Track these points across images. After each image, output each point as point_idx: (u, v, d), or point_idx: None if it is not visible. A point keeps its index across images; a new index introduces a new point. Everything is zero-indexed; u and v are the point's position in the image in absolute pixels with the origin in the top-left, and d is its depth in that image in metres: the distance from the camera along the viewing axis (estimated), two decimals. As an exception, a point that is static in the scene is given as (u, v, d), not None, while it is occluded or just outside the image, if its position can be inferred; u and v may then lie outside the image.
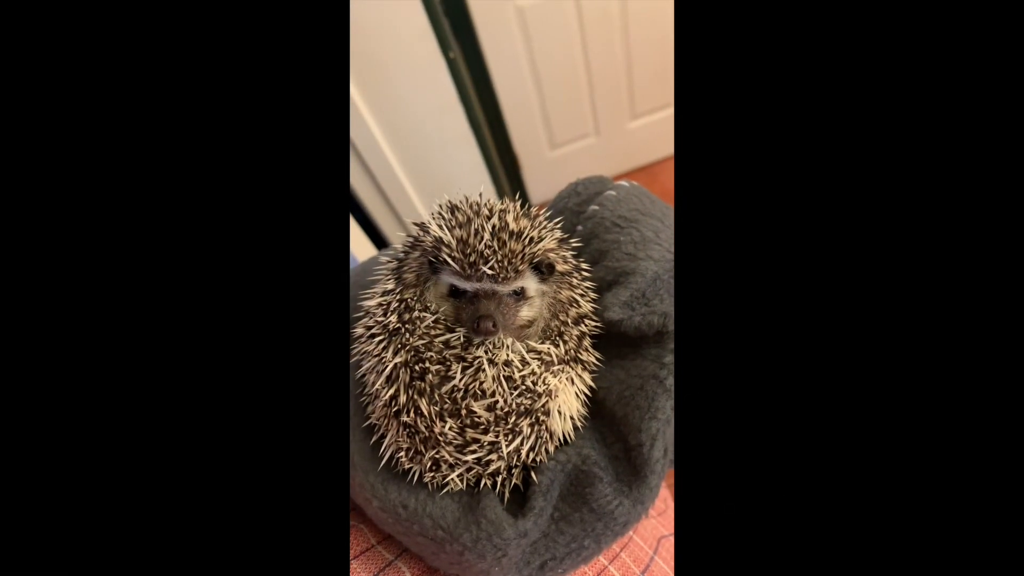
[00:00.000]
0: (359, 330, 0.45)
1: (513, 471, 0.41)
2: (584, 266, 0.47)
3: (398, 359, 0.41)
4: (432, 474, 0.40)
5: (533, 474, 0.41)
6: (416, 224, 0.46)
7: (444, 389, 0.40)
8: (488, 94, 1.67)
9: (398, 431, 0.41)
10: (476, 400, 0.39)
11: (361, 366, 0.44)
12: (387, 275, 0.46)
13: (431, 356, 0.40)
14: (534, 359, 0.41)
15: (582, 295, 0.45)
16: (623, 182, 0.54)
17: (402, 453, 0.41)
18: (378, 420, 0.43)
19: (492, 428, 0.39)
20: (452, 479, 0.40)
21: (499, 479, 0.41)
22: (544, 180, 2.24)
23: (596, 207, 0.51)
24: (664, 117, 1.98)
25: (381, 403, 0.42)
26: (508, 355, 0.40)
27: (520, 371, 0.40)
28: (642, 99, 1.89)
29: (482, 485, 0.41)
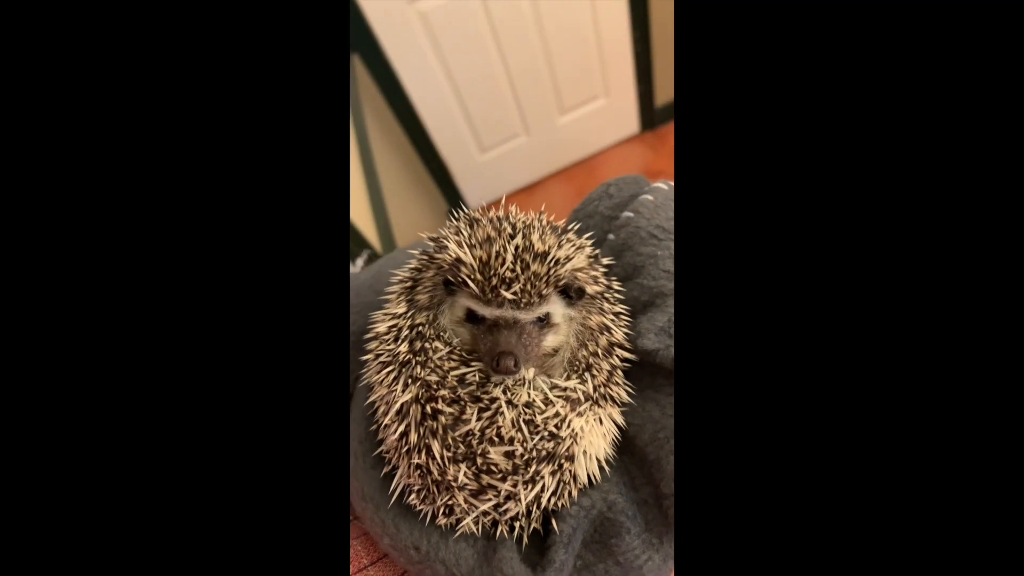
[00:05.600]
0: (368, 356, 0.41)
1: (532, 514, 0.38)
2: (616, 286, 0.42)
3: (407, 395, 0.37)
4: (446, 519, 0.38)
5: (554, 521, 0.38)
6: (431, 239, 0.42)
7: (458, 432, 0.36)
8: (402, 104, 1.50)
9: (409, 470, 0.38)
10: (493, 446, 0.36)
11: (372, 391, 0.41)
12: (398, 295, 0.42)
13: (443, 395, 0.36)
14: (558, 397, 0.37)
15: (613, 320, 0.41)
16: (661, 184, 0.48)
17: (413, 494, 0.38)
18: (388, 452, 0.40)
19: (510, 476, 0.36)
20: (467, 523, 0.37)
21: (517, 524, 0.38)
22: (480, 184, 2.11)
23: (630, 214, 0.46)
24: (595, 109, 1.81)
25: (392, 437, 0.39)
26: (529, 395, 0.36)
27: (543, 413, 0.36)
28: (569, 94, 1.76)
29: (499, 532, 0.38)
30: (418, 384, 0.37)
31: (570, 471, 0.37)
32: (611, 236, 0.46)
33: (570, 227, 0.43)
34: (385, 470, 0.41)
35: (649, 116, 2.14)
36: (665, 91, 1.88)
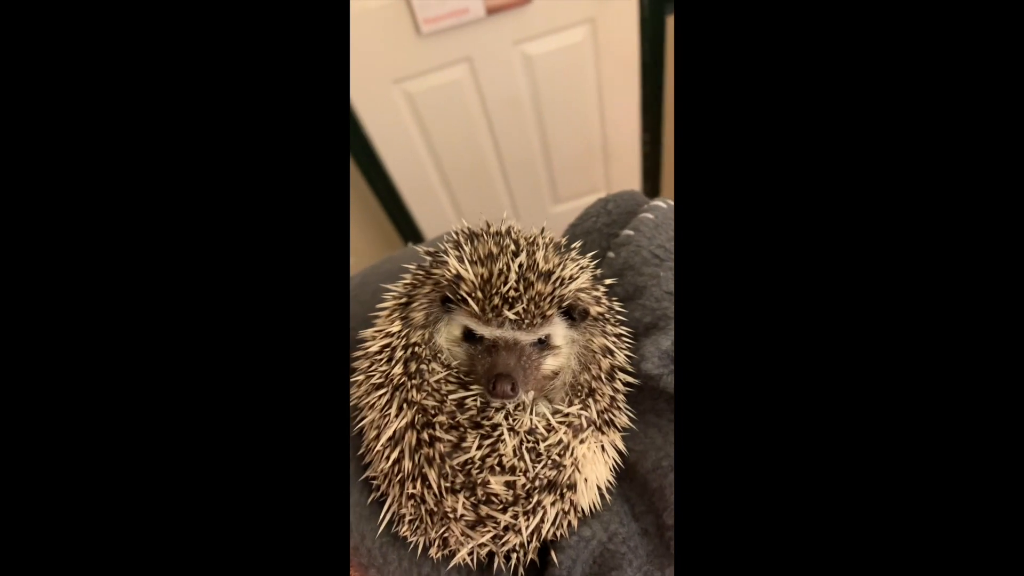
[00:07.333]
0: (359, 376, 0.39)
1: (530, 545, 0.36)
2: (617, 306, 0.41)
3: (402, 420, 0.35)
4: (439, 551, 0.36)
5: (553, 552, 0.36)
6: (428, 253, 0.39)
7: (456, 461, 0.34)
8: (383, 184, 1.45)
9: (402, 499, 0.36)
10: (494, 475, 0.34)
11: (360, 413, 0.39)
12: (391, 312, 0.39)
13: (441, 421, 0.34)
14: (561, 423, 0.36)
15: (616, 342, 0.39)
16: (660, 202, 0.47)
17: (405, 526, 0.36)
18: (377, 477, 0.38)
19: (510, 507, 0.34)
20: (462, 555, 0.35)
21: (514, 555, 0.36)
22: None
23: (631, 232, 0.45)
24: (590, 201, 1.78)
25: (383, 464, 0.36)
26: (532, 421, 0.35)
27: (546, 440, 0.35)
28: (564, 186, 1.70)
29: (495, 565, 0.36)
30: (414, 409, 0.35)
31: (571, 500, 0.36)
32: (611, 254, 0.45)
33: (573, 245, 0.42)
34: (373, 496, 0.38)
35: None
36: (672, 189, 1.83)
